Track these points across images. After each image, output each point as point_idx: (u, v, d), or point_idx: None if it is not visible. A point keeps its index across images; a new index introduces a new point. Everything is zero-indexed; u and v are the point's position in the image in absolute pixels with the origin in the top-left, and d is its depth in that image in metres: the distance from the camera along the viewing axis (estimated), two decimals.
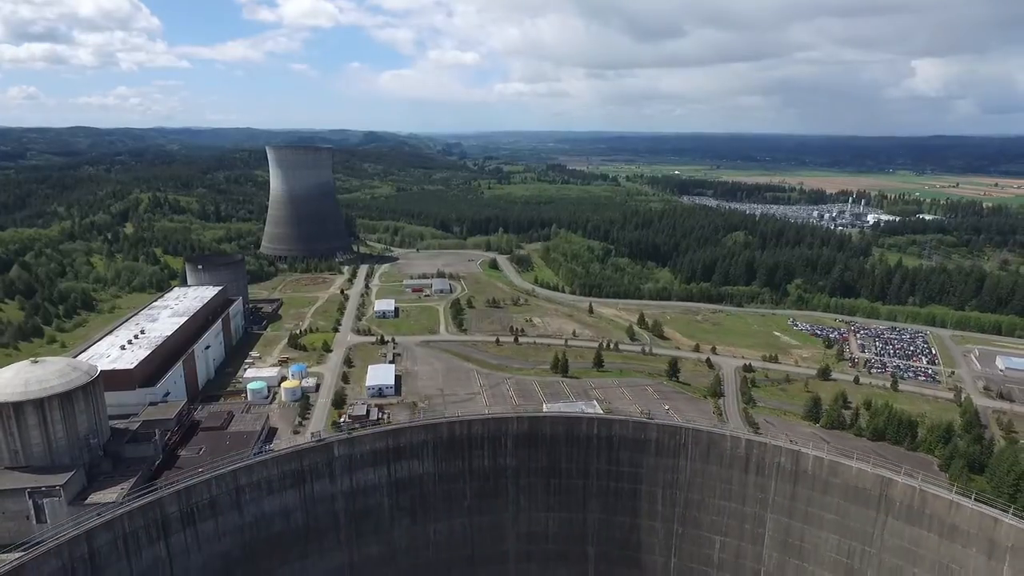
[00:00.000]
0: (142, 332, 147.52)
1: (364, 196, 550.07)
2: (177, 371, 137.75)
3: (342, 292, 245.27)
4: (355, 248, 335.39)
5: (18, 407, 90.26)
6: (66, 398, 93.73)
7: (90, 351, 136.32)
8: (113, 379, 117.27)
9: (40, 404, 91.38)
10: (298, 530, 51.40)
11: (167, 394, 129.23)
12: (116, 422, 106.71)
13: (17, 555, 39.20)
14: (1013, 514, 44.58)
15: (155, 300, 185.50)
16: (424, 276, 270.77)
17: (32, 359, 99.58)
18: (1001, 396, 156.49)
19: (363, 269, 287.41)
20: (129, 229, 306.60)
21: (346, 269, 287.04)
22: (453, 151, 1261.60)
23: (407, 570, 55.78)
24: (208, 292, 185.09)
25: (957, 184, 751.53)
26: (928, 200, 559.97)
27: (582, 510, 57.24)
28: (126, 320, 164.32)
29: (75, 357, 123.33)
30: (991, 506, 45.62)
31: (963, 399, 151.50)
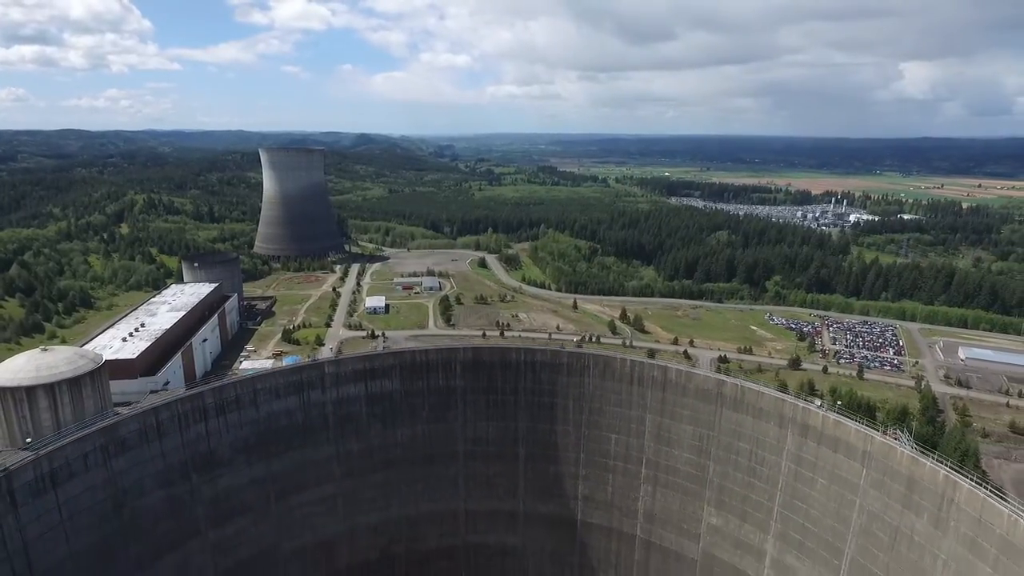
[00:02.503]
0: (142, 326, 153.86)
1: (356, 197, 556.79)
2: (176, 362, 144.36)
3: (334, 290, 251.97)
4: (347, 248, 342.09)
5: (30, 391, 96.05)
6: (74, 383, 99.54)
7: (93, 343, 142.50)
8: (116, 368, 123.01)
9: (50, 388, 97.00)
10: (298, 426, 65.33)
11: (167, 383, 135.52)
12: (120, 408, 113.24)
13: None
14: (793, 395, 60.58)
15: (153, 296, 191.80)
16: (414, 274, 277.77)
17: (42, 347, 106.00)
18: (959, 383, 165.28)
19: (355, 268, 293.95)
20: (125, 229, 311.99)
21: (338, 268, 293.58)
22: (445, 153, 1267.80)
23: (380, 463, 70.27)
24: (204, 289, 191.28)
25: (942, 185, 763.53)
26: (910, 200, 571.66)
27: (514, 420, 72.14)
28: (126, 315, 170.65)
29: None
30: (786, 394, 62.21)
31: (923, 386, 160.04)
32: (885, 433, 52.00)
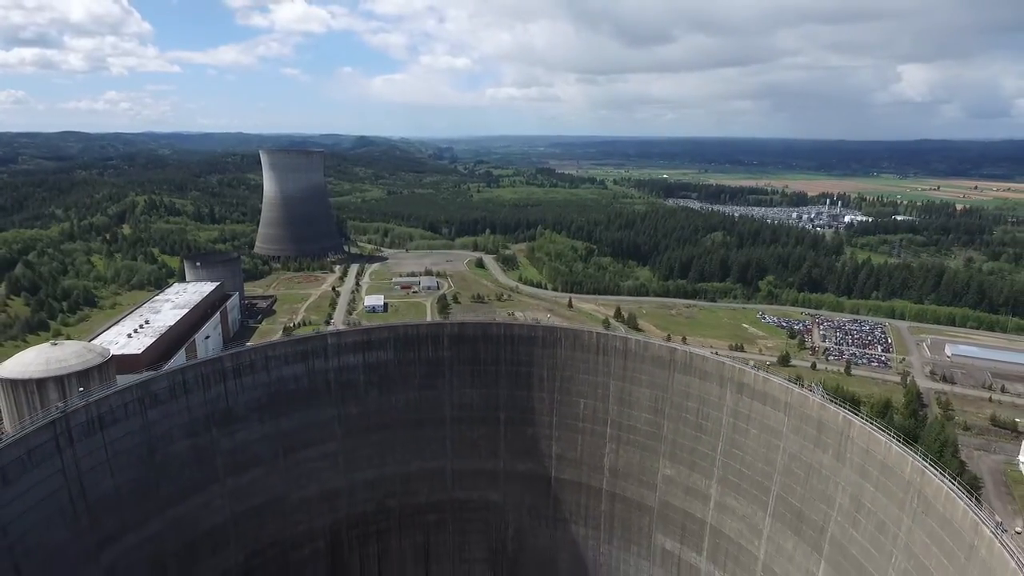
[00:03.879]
0: (147, 322, 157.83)
1: (355, 199, 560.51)
2: (180, 357, 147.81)
3: (333, 289, 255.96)
4: (346, 248, 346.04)
5: (41, 383, 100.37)
6: (83, 376, 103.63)
7: (100, 338, 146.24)
8: (123, 363, 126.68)
9: (60, 381, 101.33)
10: (304, 390, 71.96)
11: None
12: None
13: None
14: (730, 359, 67.59)
15: (157, 295, 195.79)
16: (413, 274, 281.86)
17: (52, 341, 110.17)
18: (944, 379, 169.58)
19: (354, 268, 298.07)
20: (127, 230, 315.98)
21: (337, 268, 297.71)
22: (444, 155, 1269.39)
23: (377, 425, 76.86)
24: (206, 287, 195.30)
25: (939, 187, 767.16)
26: (905, 202, 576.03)
27: (495, 387, 78.77)
28: (131, 312, 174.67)
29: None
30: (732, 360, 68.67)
31: (908, 381, 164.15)
32: (803, 387, 59.89)
